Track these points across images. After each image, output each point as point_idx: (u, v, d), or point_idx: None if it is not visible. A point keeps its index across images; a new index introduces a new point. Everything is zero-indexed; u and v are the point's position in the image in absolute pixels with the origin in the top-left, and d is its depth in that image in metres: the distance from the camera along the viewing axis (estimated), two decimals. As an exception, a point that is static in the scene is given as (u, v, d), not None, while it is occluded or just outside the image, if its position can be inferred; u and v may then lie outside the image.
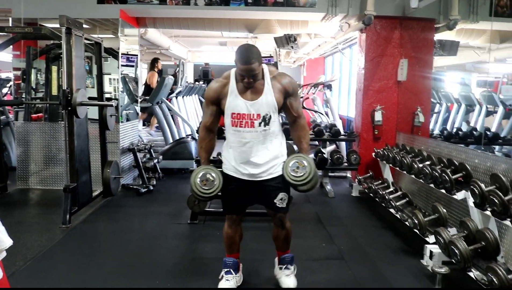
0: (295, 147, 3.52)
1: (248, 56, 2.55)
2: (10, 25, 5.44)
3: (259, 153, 2.72)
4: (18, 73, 6.35)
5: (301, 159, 2.72)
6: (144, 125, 11.18)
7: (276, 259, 3.04)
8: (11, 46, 5.81)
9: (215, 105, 2.75)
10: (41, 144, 5.61)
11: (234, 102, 2.67)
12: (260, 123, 2.68)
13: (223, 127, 3.04)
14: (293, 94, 2.78)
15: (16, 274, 3.13)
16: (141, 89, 8.40)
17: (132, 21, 6.51)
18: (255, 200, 2.93)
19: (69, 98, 4.28)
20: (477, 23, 5.62)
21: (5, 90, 8.25)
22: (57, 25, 4.31)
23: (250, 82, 2.61)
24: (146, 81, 8.94)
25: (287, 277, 2.95)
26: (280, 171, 2.78)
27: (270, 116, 2.69)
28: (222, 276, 2.96)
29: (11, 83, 6.95)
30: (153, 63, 8.78)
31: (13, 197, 5.37)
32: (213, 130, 2.85)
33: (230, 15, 6.48)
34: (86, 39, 4.77)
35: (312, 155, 5.96)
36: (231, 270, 2.95)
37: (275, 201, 2.81)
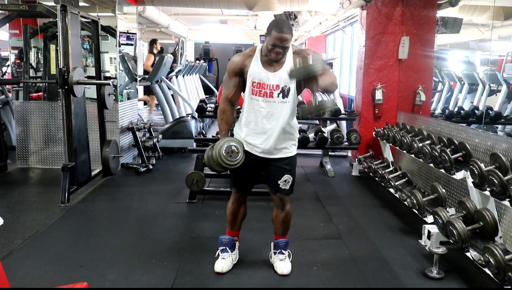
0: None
1: (284, 26, 2.57)
2: (6, 2, 5.36)
3: (275, 127, 2.72)
4: (17, 52, 6.31)
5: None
6: (145, 104, 11.16)
7: (272, 244, 3.03)
8: (8, 25, 5.74)
9: (238, 76, 2.76)
10: (41, 124, 5.60)
11: (257, 71, 2.69)
12: (279, 94, 2.69)
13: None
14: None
15: (14, 253, 3.14)
16: (140, 67, 8.34)
17: (130, -2, 6.43)
18: (260, 178, 2.93)
19: (65, 77, 4.24)
20: (480, -1, 5.52)
21: (5, 69, 8.20)
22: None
23: (279, 53, 2.61)
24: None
25: (281, 262, 2.94)
26: (290, 153, 2.81)
27: (289, 88, 2.69)
28: (218, 254, 2.97)
29: (10, 62, 6.90)
30: (152, 44, 8.67)
31: (13, 176, 5.38)
32: (234, 103, 2.86)
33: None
34: (82, 17, 4.70)
35: (312, 134, 5.93)
36: (227, 248, 2.96)
37: (279, 182, 2.80)
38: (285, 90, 2.69)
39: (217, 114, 2.92)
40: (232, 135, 2.92)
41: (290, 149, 2.82)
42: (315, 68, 2.41)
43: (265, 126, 2.72)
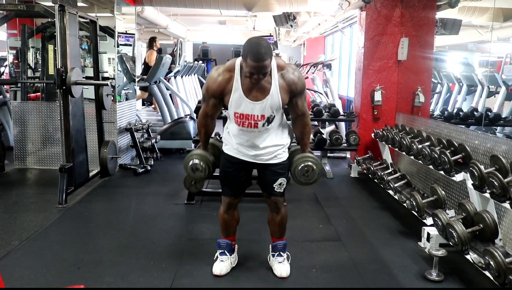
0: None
1: (260, 52, 2.34)
2: (4, 2, 5.34)
3: (261, 142, 2.69)
4: (15, 52, 6.29)
5: (310, 162, 2.75)
6: (143, 104, 11.13)
7: (270, 246, 3.01)
8: (5, 25, 5.72)
9: (216, 99, 2.64)
10: (38, 124, 5.57)
11: (238, 101, 2.56)
12: (264, 124, 2.62)
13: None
14: (300, 93, 2.64)
15: (11, 254, 3.12)
16: (139, 68, 8.33)
17: (128, -2, 6.41)
18: (251, 180, 2.92)
19: (63, 77, 4.22)
20: (479, 0, 5.50)
21: (2, 70, 8.17)
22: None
23: (259, 79, 2.44)
24: (145, 60, 8.84)
25: (280, 265, 2.92)
26: (282, 158, 2.78)
27: (274, 116, 2.63)
28: (217, 257, 2.95)
29: (7, 62, 6.87)
30: (151, 42, 8.67)
31: (10, 176, 5.36)
32: (214, 117, 2.80)
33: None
34: (80, 17, 4.68)
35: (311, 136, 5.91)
36: (225, 252, 2.94)
37: (274, 185, 2.78)
38: (270, 119, 2.62)
39: (217, 118, 2.90)
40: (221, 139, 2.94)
41: (282, 155, 2.78)
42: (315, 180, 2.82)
43: (253, 142, 2.69)
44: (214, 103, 2.67)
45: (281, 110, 2.66)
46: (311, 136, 5.83)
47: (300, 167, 2.74)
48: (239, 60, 2.54)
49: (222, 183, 2.93)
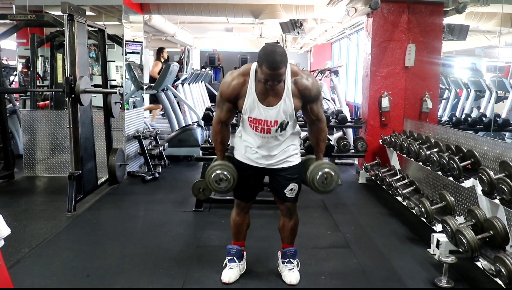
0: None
1: (276, 60, 2.35)
2: (14, 12, 5.40)
3: (274, 148, 2.70)
4: (24, 61, 6.35)
5: (327, 168, 2.73)
6: (151, 112, 11.15)
7: (280, 253, 3.01)
8: (15, 34, 5.77)
9: (231, 103, 2.65)
10: (47, 132, 5.62)
11: (252, 106, 2.57)
12: (276, 129, 2.62)
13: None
14: (314, 99, 2.64)
15: (21, 261, 3.14)
16: (146, 76, 8.36)
17: (136, 7, 6.46)
18: (262, 186, 2.93)
19: (72, 85, 4.25)
20: (487, 6, 5.48)
21: (12, 78, 8.25)
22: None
23: (273, 86, 2.47)
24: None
25: (290, 272, 2.91)
26: (294, 161, 2.78)
27: (287, 122, 2.64)
28: (226, 264, 2.95)
29: (17, 71, 6.94)
30: (159, 53, 8.69)
31: (20, 184, 5.39)
32: (228, 124, 2.79)
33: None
34: (89, 26, 4.73)
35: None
36: (234, 258, 2.94)
37: (285, 191, 2.78)
38: (284, 125, 2.63)
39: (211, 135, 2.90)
40: (232, 149, 2.91)
41: (294, 158, 2.79)
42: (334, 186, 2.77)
43: (266, 148, 2.70)
44: (228, 107, 2.67)
45: (294, 117, 2.66)
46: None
47: (319, 176, 2.71)
48: (254, 65, 2.55)
49: (234, 188, 2.89)
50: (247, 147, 2.75)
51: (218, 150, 2.81)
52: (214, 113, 3.08)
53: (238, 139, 2.84)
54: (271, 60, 2.35)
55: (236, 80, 2.59)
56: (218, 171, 2.71)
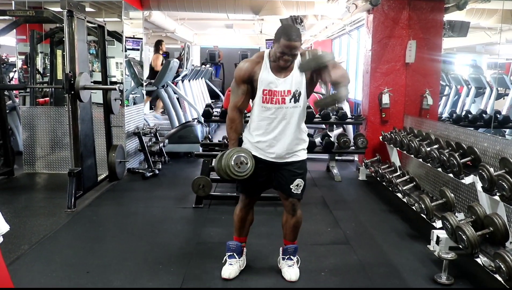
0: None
1: (293, 34, 2.54)
2: (13, 8, 5.38)
3: (288, 132, 2.71)
4: (24, 57, 6.34)
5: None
6: (151, 109, 11.15)
7: (281, 249, 3.00)
8: (15, 30, 5.76)
9: (246, 84, 2.72)
10: (47, 129, 5.61)
11: (267, 78, 2.66)
12: (290, 99, 2.67)
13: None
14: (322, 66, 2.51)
15: (21, 258, 3.14)
16: (146, 72, 8.35)
17: (135, 3, 6.45)
18: (271, 184, 2.90)
19: (72, 82, 4.24)
20: (488, 2, 5.47)
21: (12, 75, 8.25)
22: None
23: (288, 61, 2.59)
24: (150, 64, 8.87)
25: (290, 268, 2.91)
26: (301, 157, 2.79)
27: (300, 92, 2.68)
28: (226, 260, 2.95)
29: (16, 67, 6.93)
30: (157, 45, 8.69)
31: (19, 181, 5.39)
32: (243, 111, 2.81)
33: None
34: (89, 22, 4.71)
35: (318, 139, 5.91)
36: (234, 254, 2.94)
37: (291, 186, 2.78)
38: (297, 95, 2.68)
39: (225, 121, 2.88)
40: (241, 141, 2.90)
41: (301, 153, 2.80)
42: (325, 58, 2.47)
43: (278, 132, 2.71)
44: (244, 90, 2.73)
45: (305, 88, 2.69)
46: (319, 139, 5.83)
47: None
48: (267, 51, 2.72)
49: (240, 181, 2.87)
50: (260, 134, 2.75)
51: (231, 138, 2.82)
52: (223, 104, 3.01)
53: (247, 133, 2.84)
54: (289, 33, 2.54)
55: (250, 62, 2.73)
56: (240, 154, 2.71)
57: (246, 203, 2.93)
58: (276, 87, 2.66)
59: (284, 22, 2.44)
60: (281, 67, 2.64)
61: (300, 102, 2.69)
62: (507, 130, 6.75)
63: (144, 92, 6.93)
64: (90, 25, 4.92)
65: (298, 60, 2.66)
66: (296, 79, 2.66)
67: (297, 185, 2.78)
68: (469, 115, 6.42)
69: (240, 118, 2.80)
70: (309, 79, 2.69)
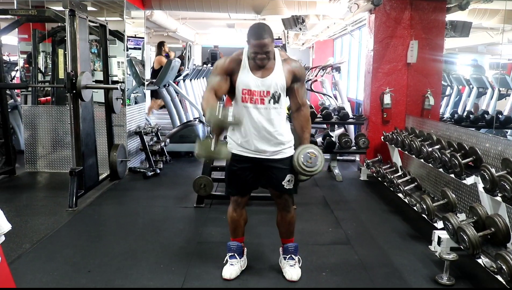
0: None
1: (260, 32, 2.56)
2: (15, 7, 5.39)
3: (268, 130, 2.70)
4: (25, 56, 6.34)
5: (312, 149, 2.71)
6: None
7: (281, 249, 3.01)
8: (17, 29, 5.77)
9: (225, 75, 2.70)
10: (49, 128, 5.62)
11: (246, 78, 2.66)
12: (269, 100, 2.67)
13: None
14: (300, 79, 2.76)
15: (23, 257, 3.15)
16: (148, 72, 8.35)
17: (137, 2, 6.45)
18: (260, 181, 2.89)
19: (73, 81, 4.25)
20: (490, 2, 5.46)
21: (13, 74, 8.24)
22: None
23: (263, 59, 2.59)
24: (153, 66, 8.84)
25: (291, 268, 2.91)
26: (288, 153, 2.78)
27: (280, 94, 2.68)
28: (227, 261, 2.95)
29: (18, 66, 6.94)
30: (160, 47, 8.67)
31: (21, 180, 5.40)
32: (218, 95, 2.71)
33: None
34: (90, 21, 4.72)
35: (320, 139, 5.91)
36: (235, 255, 2.94)
37: (283, 182, 2.78)
38: (276, 96, 2.68)
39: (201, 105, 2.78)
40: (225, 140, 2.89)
41: (288, 150, 2.80)
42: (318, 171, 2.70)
43: (258, 131, 2.70)
44: (222, 79, 2.70)
45: (284, 92, 2.71)
46: (320, 138, 5.83)
47: (303, 155, 2.70)
48: (246, 48, 2.70)
49: (227, 182, 2.93)
50: (239, 135, 2.74)
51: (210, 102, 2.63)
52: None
53: (230, 132, 2.83)
54: (256, 32, 2.57)
55: (230, 58, 2.74)
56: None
57: (238, 203, 2.93)
58: (255, 87, 2.66)
59: (252, 24, 2.43)
60: (259, 66, 2.64)
61: (280, 104, 2.70)
62: (509, 131, 6.74)
63: (147, 91, 6.93)
64: (92, 24, 4.93)
65: (279, 61, 2.68)
66: (276, 80, 2.66)
67: (288, 181, 2.79)
68: (471, 116, 6.40)
69: (215, 99, 2.66)
70: (289, 85, 2.71)
